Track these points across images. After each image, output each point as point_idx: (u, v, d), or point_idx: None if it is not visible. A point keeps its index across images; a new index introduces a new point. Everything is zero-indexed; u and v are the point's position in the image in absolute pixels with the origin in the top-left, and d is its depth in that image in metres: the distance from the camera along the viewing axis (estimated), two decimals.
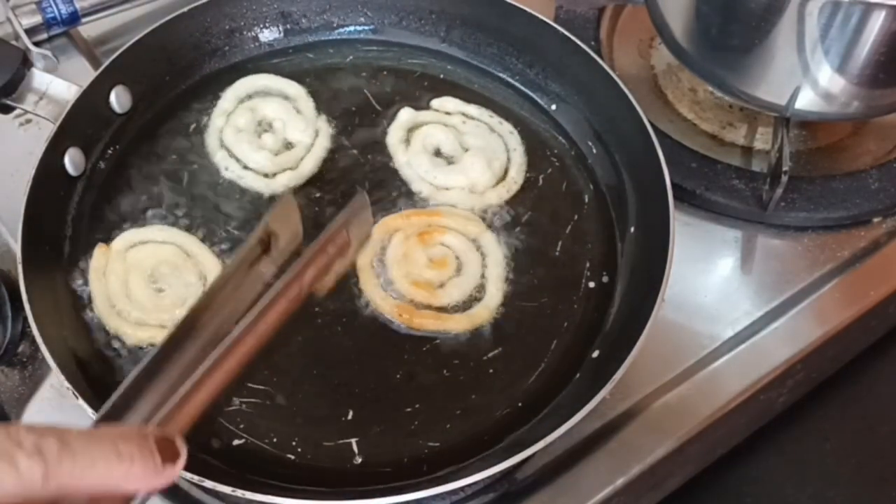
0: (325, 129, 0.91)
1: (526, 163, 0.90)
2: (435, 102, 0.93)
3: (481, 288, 0.82)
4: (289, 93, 0.93)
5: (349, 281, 0.81)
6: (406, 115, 0.91)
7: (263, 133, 0.91)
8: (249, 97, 0.93)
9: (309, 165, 0.89)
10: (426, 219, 0.85)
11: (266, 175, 0.88)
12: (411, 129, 0.91)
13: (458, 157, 0.89)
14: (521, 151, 0.90)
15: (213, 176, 0.88)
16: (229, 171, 0.88)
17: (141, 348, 0.77)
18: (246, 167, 0.88)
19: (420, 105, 0.93)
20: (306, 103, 0.92)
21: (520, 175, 0.89)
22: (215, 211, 0.86)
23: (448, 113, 0.92)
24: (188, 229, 0.84)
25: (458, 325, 0.80)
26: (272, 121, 0.91)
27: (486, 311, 0.81)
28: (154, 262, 0.81)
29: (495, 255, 0.83)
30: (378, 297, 0.80)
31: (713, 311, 0.88)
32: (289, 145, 0.90)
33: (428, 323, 0.79)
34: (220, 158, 0.89)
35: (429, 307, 0.80)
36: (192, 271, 0.81)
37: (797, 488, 0.94)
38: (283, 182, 0.87)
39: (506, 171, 0.89)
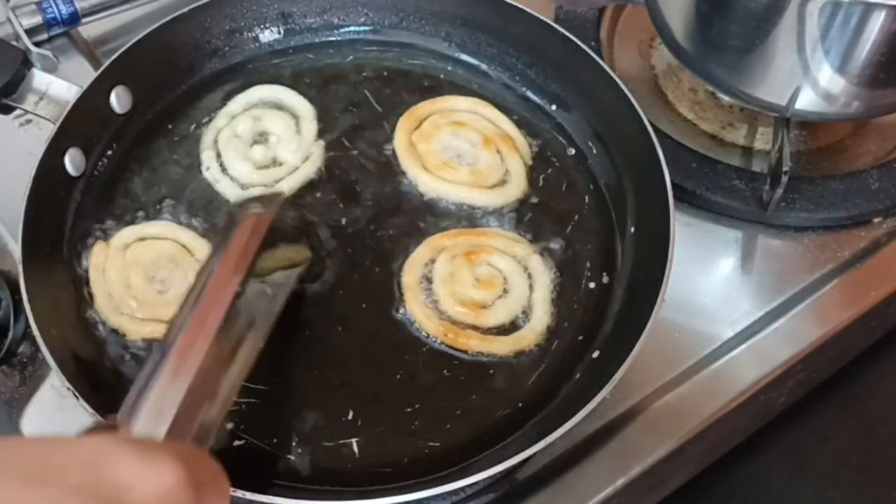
0: (317, 155, 0.89)
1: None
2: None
3: (527, 310, 0.81)
4: (298, 111, 0.92)
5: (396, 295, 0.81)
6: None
7: (256, 144, 0.90)
8: (258, 105, 0.92)
9: (284, 187, 0.86)
10: (473, 238, 0.84)
11: (242, 186, 0.87)
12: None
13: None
14: None
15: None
16: (210, 171, 0.88)
17: (142, 345, 0.78)
18: (225, 171, 0.87)
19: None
20: (309, 125, 0.91)
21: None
22: (212, 209, 0.86)
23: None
24: (187, 226, 0.84)
25: (503, 347, 0.78)
26: (269, 134, 0.90)
27: (532, 334, 0.79)
28: (154, 257, 0.81)
29: (543, 278, 0.82)
30: (422, 316, 0.79)
31: (713, 311, 0.88)
32: (276, 162, 0.89)
33: (473, 344, 0.78)
34: (206, 157, 0.88)
35: (473, 327, 0.79)
36: (192, 267, 0.81)
37: (797, 488, 0.94)
38: (258, 194, 0.85)
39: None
